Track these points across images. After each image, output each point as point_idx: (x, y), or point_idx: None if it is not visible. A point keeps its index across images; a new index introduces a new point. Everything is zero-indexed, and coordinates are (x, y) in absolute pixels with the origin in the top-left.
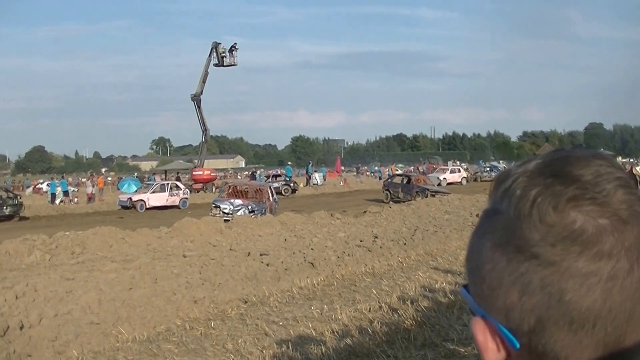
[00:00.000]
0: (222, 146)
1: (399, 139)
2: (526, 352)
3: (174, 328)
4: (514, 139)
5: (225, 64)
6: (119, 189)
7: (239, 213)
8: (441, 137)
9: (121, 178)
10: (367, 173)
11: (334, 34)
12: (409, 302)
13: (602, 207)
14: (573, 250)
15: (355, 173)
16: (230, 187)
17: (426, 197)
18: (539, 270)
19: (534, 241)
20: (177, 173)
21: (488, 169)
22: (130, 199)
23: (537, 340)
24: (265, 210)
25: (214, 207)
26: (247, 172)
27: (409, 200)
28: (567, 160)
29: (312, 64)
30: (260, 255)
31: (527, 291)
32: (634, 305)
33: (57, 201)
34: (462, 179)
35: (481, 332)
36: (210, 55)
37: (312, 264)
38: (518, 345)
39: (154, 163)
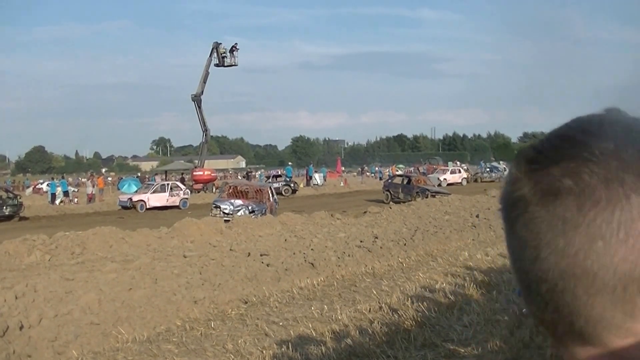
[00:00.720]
0: (223, 146)
1: (400, 139)
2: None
3: (174, 328)
4: (514, 140)
5: (225, 64)
6: (119, 189)
7: (239, 213)
8: (441, 138)
9: (121, 178)
10: (368, 173)
11: (334, 34)
12: (409, 303)
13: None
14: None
15: (359, 173)
16: (230, 188)
17: (426, 197)
18: (513, 240)
19: (513, 216)
20: (182, 174)
21: (488, 169)
22: (131, 199)
23: (530, 309)
24: (265, 210)
25: (215, 207)
26: (242, 173)
27: (409, 201)
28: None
29: (313, 65)
30: (261, 255)
31: (515, 259)
32: None
33: (57, 201)
34: (462, 180)
35: None
36: (210, 55)
37: (312, 264)
38: (524, 310)
39: (155, 163)
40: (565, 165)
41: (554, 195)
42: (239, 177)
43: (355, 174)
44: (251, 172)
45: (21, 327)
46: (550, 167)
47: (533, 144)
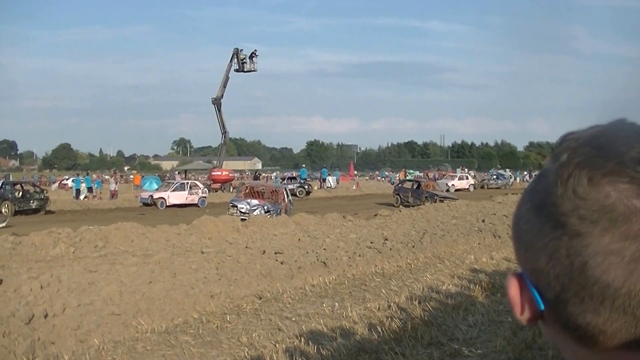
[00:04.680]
0: (240, 148)
1: (410, 146)
2: (552, 319)
3: (191, 321)
4: (520, 149)
5: (245, 70)
6: (135, 189)
7: (255, 213)
8: (450, 145)
9: (143, 176)
10: (378, 178)
11: (348, 44)
12: (416, 302)
13: (639, 187)
14: (601, 225)
15: (378, 177)
16: (247, 188)
17: (435, 202)
18: (566, 240)
19: (565, 210)
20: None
21: (495, 176)
22: (152, 196)
23: (560, 309)
24: (280, 210)
25: (232, 206)
26: (250, 174)
27: (418, 205)
28: (614, 135)
29: (328, 72)
30: (275, 253)
31: (554, 258)
32: None
33: (82, 197)
34: (469, 186)
35: (514, 288)
36: (231, 61)
37: (324, 263)
38: (543, 307)
39: (175, 163)
40: None
41: None
42: (244, 178)
43: (367, 177)
44: (260, 173)
45: (46, 316)
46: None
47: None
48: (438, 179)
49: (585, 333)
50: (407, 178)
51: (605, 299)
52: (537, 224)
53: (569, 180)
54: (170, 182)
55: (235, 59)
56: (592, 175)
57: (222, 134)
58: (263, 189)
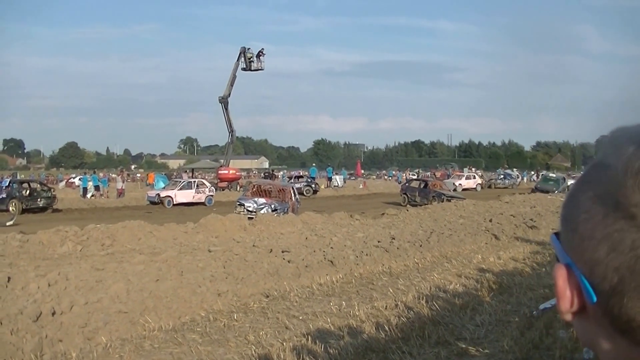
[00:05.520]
0: (247, 147)
1: (417, 145)
2: (601, 311)
3: (198, 319)
4: (527, 148)
5: (252, 69)
6: (147, 185)
7: (262, 211)
8: (457, 145)
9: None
10: (385, 177)
11: (356, 43)
12: (423, 302)
13: None
14: None
15: (385, 176)
16: (254, 187)
17: (442, 201)
18: (633, 231)
19: (635, 201)
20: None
21: (502, 176)
22: (159, 194)
23: (614, 301)
24: (287, 209)
25: (239, 205)
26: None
27: (426, 204)
28: None
29: (335, 71)
30: (282, 252)
31: (616, 249)
32: None
33: (89, 195)
34: (476, 186)
35: (562, 278)
36: (238, 59)
37: (331, 262)
38: (595, 300)
39: (182, 161)
40: None
41: None
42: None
43: (374, 177)
44: (274, 171)
45: (53, 313)
46: None
47: None
48: (443, 178)
49: (639, 326)
50: (413, 177)
51: None
52: (599, 213)
53: None
54: (177, 181)
55: (243, 58)
56: None
57: (229, 132)
58: (270, 188)
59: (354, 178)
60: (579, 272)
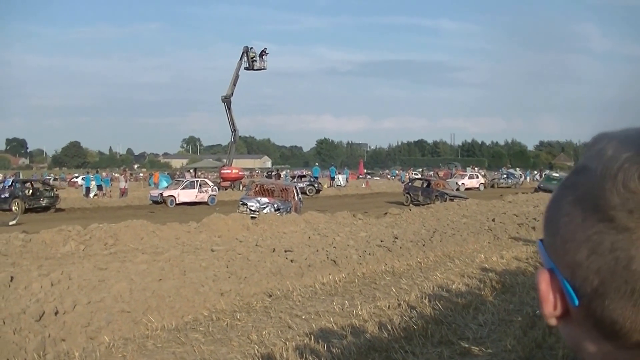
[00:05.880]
0: (250, 146)
1: (420, 144)
2: (584, 314)
3: (201, 318)
4: (530, 148)
5: (255, 68)
6: (153, 185)
7: (265, 211)
8: (460, 144)
9: (151, 174)
10: (388, 176)
11: (358, 42)
12: (426, 301)
13: None
14: None
15: (388, 175)
16: (257, 186)
17: (445, 201)
18: (612, 233)
19: (613, 204)
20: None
21: (505, 176)
22: (161, 194)
23: (596, 303)
24: (290, 208)
25: (241, 204)
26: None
27: (429, 204)
28: None
29: (338, 71)
30: (285, 251)
31: (596, 251)
32: None
33: (92, 194)
34: (479, 185)
35: (545, 282)
36: (241, 59)
37: (334, 261)
38: (577, 302)
39: (185, 161)
40: None
41: None
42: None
43: (377, 177)
44: (278, 169)
45: (56, 313)
46: None
47: None
48: (445, 178)
49: (621, 329)
50: (416, 177)
51: None
52: (579, 216)
53: (618, 174)
54: (180, 180)
55: (245, 57)
56: None
57: (232, 132)
58: (273, 187)
59: (361, 177)
60: (561, 275)
